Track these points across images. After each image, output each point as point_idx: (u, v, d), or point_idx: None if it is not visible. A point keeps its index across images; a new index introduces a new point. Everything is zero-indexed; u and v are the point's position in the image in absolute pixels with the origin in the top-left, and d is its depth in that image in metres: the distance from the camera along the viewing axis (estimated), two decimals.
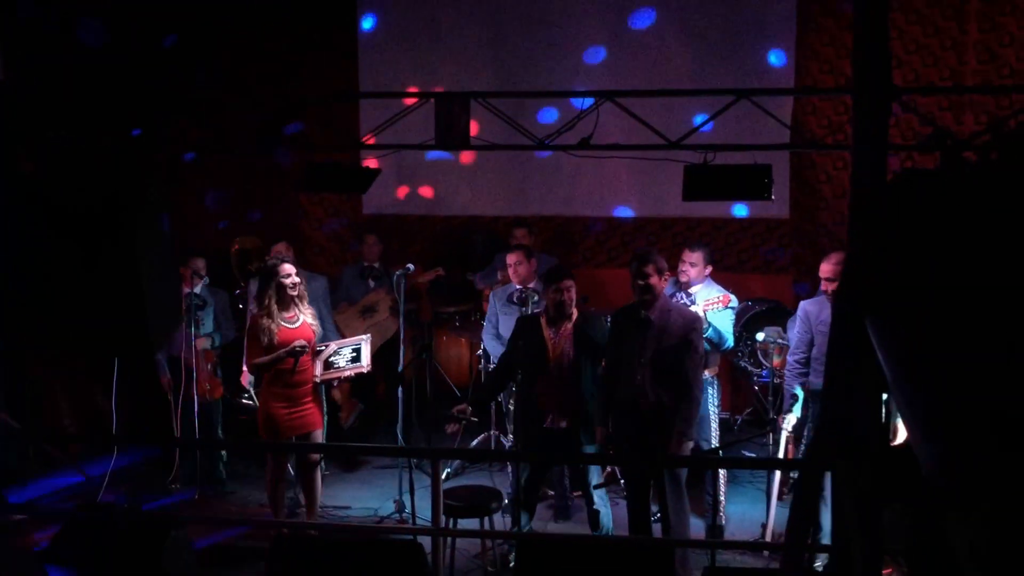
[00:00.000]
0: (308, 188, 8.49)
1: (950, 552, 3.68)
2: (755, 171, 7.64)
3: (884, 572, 6.59)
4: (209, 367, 9.45)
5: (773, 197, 7.84)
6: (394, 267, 9.60)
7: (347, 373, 8.29)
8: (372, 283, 10.52)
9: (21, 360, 10.04)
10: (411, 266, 9.24)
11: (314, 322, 8.11)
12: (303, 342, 7.85)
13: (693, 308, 8.09)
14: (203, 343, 9.36)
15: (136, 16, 10.34)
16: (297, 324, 7.94)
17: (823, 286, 7.68)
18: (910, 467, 4.18)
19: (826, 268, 7.60)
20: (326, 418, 8.38)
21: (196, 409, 9.21)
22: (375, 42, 12.38)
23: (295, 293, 7.93)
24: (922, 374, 4.13)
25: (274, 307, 7.86)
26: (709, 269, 8.49)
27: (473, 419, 8.24)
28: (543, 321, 7.72)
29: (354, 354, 8.32)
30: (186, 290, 9.24)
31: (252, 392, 9.46)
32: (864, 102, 5.84)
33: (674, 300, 8.31)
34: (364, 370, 8.33)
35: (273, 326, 7.81)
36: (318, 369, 8.11)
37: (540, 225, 11.73)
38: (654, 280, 7.34)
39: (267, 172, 11.93)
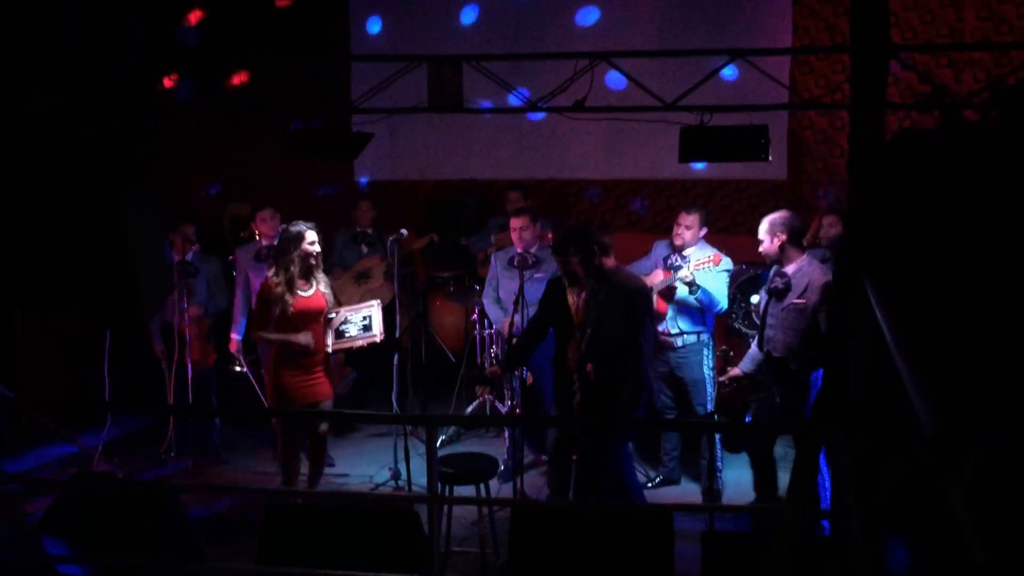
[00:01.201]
0: (295, 154, 8.35)
1: (949, 512, 3.64)
2: (752, 132, 7.55)
3: None
4: (202, 335, 9.39)
5: (770, 158, 7.76)
6: (387, 233, 9.51)
7: (359, 343, 8.13)
8: (365, 249, 10.44)
9: (12, 329, 9.98)
10: (404, 231, 9.15)
11: (327, 290, 7.92)
12: (309, 338, 7.71)
13: (684, 269, 8.05)
14: (195, 311, 9.28)
15: None
16: (311, 292, 7.78)
17: None
18: (908, 428, 4.13)
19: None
20: None
21: (189, 377, 9.14)
22: (366, 4, 12.25)
23: (315, 262, 7.80)
24: (921, 334, 4.08)
25: (295, 276, 7.69)
26: (704, 231, 8.44)
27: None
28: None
29: (365, 322, 8.15)
30: (177, 257, 9.16)
31: (243, 360, 9.40)
32: (862, 60, 5.76)
33: (669, 261, 8.29)
34: (377, 339, 8.15)
35: (288, 296, 7.63)
36: (330, 339, 7.97)
37: (534, 188, 11.63)
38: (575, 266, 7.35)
39: (257, 136, 11.78)
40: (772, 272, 7.68)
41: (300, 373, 7.76)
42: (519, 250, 8.78)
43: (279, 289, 7.64)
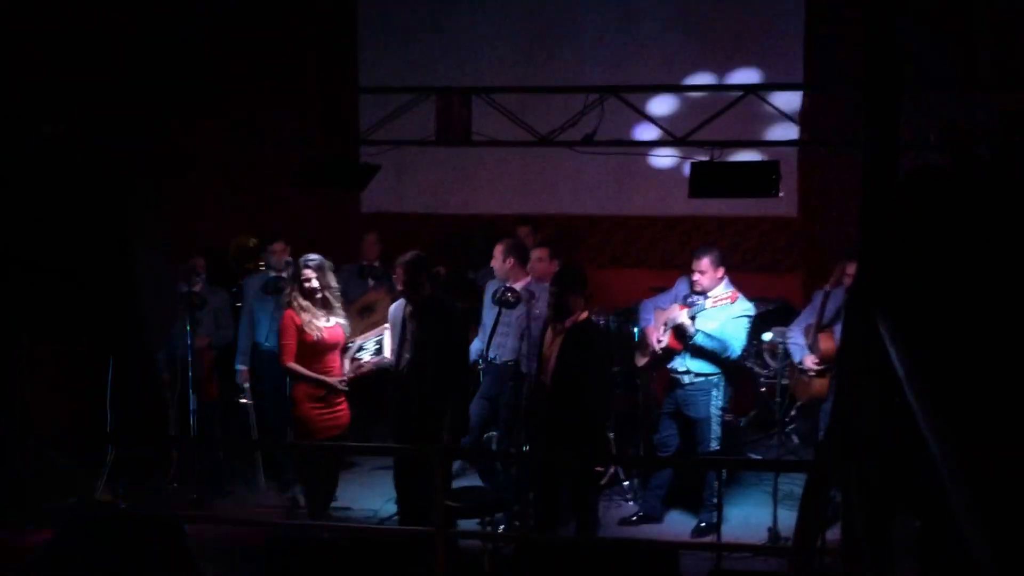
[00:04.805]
0: (303, 185, 8.33)
1: (962, 552, 3.59)
2: (763, 168, 7.52)
3: None
4: (206, 367, 9.33)
5: (781, 194, 7.71)
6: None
7: (369, 367, 8.20)
8: (371, 282, 10.39)
9: (14, 358, 9.92)
10: None
11: (345, 322, 8.12)
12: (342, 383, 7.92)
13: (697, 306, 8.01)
14: (202, 342, 9.22)
15: (131, 8, 10.21)
16: (331, 324, 7.95)
17: None
18: (921, 468, 4.07)
19: None
20: None
21: (193, 408, 9.09)
22: (375, 36, 12.28)
23: (319, 294, 7.92)
24: (935, 371, 4.03)
25: (307, 306, 7.88)
26: (721, 271, 8.23)
27: None
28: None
29: (377, 347, 8.27)
30: (184, 289, 9.11)
31: (248, 391, 9.34)
32: (875, 98, 5.72)
33: (688, 300, 8.16)
34: (387, 362, 8.18)
35: (309, 326, 7.84)
36: (347, 367, 8.08)
37: (543, 223, 11.58)
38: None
39: (265, 166, 11.76)
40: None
41: (322, 406, 7.86)
42: (534, 279, 8.65)
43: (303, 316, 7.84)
